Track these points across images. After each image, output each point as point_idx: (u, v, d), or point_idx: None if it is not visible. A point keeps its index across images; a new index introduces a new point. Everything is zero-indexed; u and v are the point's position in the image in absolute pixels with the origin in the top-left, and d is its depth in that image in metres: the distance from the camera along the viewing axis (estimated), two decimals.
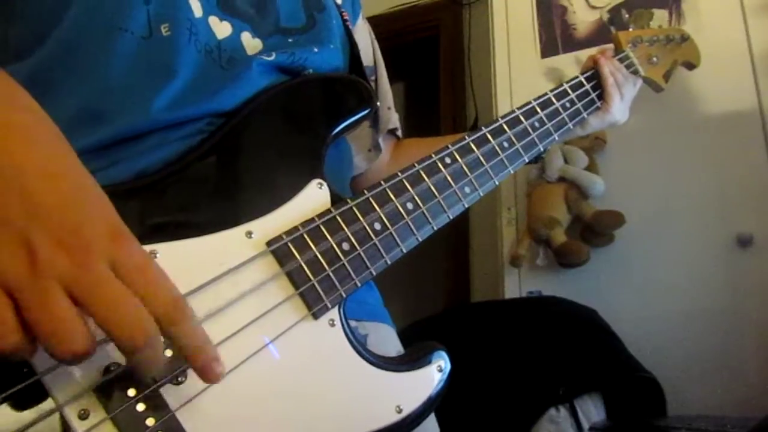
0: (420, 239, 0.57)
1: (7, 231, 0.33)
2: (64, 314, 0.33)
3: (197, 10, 0.55)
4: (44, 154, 0.37)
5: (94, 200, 0.38)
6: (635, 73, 0.92)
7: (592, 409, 1.29)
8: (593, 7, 1.80)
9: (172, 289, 0.38)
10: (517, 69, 1.85)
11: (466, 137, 0.64)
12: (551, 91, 0.76)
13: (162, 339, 0.37)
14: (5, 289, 0.33)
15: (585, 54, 1.76)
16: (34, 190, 0.35)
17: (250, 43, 0.58)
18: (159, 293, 0.37)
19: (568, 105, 0.77)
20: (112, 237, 0.36)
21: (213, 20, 0.56)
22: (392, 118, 0.81)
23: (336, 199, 0.54)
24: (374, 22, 0.82)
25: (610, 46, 0.94)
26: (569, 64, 1.76)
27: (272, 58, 0.57)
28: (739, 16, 1.57)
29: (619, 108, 0.85)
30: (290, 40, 0.61)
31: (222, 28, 0.56)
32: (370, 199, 0.55)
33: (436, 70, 2.35)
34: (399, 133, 0.83)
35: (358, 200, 0.54)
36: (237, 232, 0.49)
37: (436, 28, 2.36)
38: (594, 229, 1.59)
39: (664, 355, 1.43)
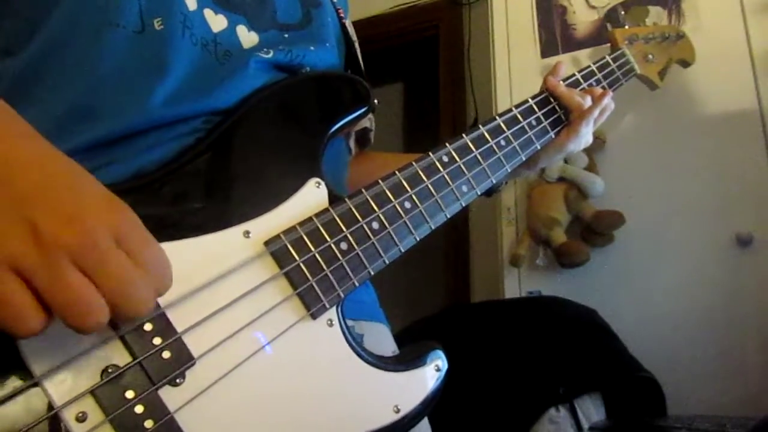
0: (418, 238, 0.57)
1: (9, 216, 0.34)
2: (79, 286, 0.34)
3: (191, 4, 0.54)
4: (25, 143, 0.37)
5: (86, 177, 0.38)
6: (631, 70, 0.91)
7: (592, 409, 1.29)
8: (593, 7, 1.80)
9: (167, 263, 0.40)
10: (517, 69, 1.85)
11: (464, 136, 0.64)
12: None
13: None
14: (17, 273, 0.33)
15: (585, 54, 1.78)
16: (27, 175, 0.35)
17: (246, 36, 0.57)
18: (158, 262, 0.39)
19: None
20: (110, 208, 0.37)
21: (208, 13, 0.55)
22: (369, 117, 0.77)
23: (334, 198, 0.54)
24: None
25: (607, 46, 0.94)
26: (569, 64, 1.76)
27: (270, 55, 0.57)
28: (739, 16, 1.57)
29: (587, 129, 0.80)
30: (286, 36, 0.60)
31: (217, 21, 0.56)
32: (368, 198, 0.55)
33: (436, 70, 2.35)
34: (371, 135, 0.80)
35: (356, 199, 0.54)
36: (235, 232, 0.49)
37: (436, 28, 2.36)
38: (594, 229, 1.59)
39: (663, 355, 1.43)
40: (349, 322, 0.54)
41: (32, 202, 0.34)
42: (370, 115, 0.77)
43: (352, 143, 0.74)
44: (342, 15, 0.70)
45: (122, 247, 0.36)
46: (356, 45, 0.73)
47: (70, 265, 0.34)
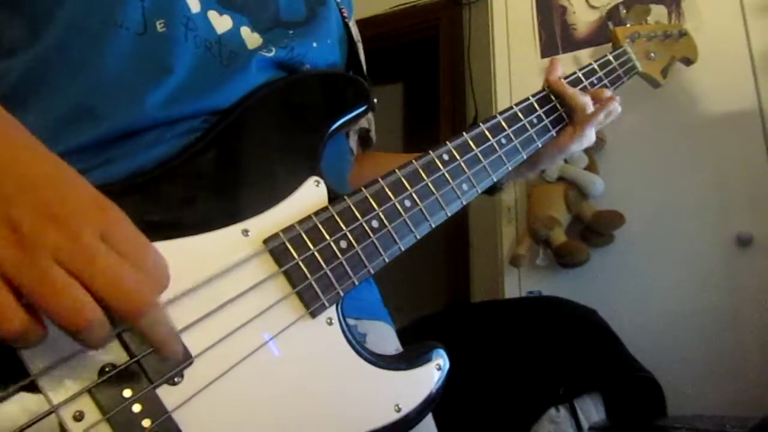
0: (418, 237, 0.57)
1: None
2: (65, 285, 0.33)
3: (194, 6, 0.54)
4: (17, 137, 0.37)
5: (71, 178, 0.37)
6: (633, 68, 0.91)
7: (592, 409, 1.29)
8: (593, 7, 1.80)
9: (161, 262, 0.39)
10: (517, 69, 1.85)
11: (464, 134, 0.64)
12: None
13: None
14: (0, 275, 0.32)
15: (585, 54, 1.78)
16: (9, 176, 0.34)
17: (250, 37, 0.57)
18: (153, 263, 0.38)
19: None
20: (98, 207, 0.36)
21: (212, 14, 0.55)
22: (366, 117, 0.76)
23: (333, 197, 0.54)
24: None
25: (607, 46, 0.94)
26: (569, 64, 1.76)
27: (272, 54, 0.57)
28: (739, 16, 1.57)
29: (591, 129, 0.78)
30: (290, 32, 0.60)
31: (222, 23, 0.56)
32: (368, 196, 0.55)
33: (436, 70, 2.35)
34: (372, 135, 0.79)
35: (356, 198, 0.54)
36: (233, 231, 0.48)
37: (436, 28, 2.36)
38: (594, 229, 1.59)
39: (664, 355, 1.43)
40: (352, 321, 0.54)
41: (14, 202, 0.33)
42: (369, 115, 0.76)
43: (353, 144, 0.74)
44: (345, 15, 0.70)
45: (110, 244, 0.35)
46: (360, 45, 0.73)
47: (54, 265, 0.33)
